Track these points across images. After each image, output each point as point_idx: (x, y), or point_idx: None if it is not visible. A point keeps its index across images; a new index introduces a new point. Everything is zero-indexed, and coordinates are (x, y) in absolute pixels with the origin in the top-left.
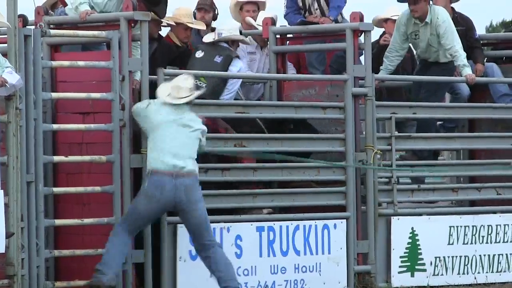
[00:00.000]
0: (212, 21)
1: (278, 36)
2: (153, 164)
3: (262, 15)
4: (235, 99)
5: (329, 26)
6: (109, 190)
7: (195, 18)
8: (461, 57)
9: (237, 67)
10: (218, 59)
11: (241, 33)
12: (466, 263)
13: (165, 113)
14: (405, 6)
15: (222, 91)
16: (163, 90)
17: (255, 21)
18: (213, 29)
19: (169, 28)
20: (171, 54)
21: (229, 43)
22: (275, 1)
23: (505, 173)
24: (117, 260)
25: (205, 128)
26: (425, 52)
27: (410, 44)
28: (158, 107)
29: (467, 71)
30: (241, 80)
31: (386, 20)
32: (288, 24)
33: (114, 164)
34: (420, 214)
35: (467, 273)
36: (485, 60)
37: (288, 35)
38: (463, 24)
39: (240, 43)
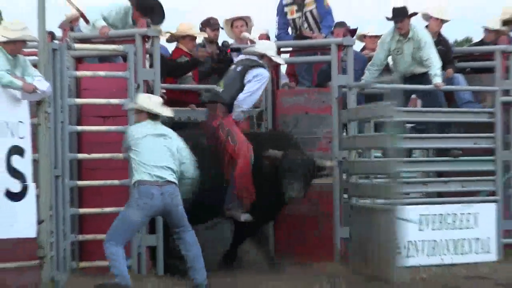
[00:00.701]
0: None
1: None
2: (140, 176)
3: (255, 31)
4: None
5: (316, 41)
6: (126, 183)
7: (209, 35)
8: (435, 68)
9: (252, 74)
10: (239, 68)
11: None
12: (434, 246)
13: (145, 128)
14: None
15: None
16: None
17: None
18: (217, 44)
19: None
20: (163, 66)
21: (259, 57)
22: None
23: (468, 168)
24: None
25: (181, 145)
26: (410, 65)
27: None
28: (137, 128)
29: (437, 80)
30: (262, 84)
31: (364, 36)
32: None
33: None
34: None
35: (435, 255)
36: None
37: (281, 49)
38: (444, 45)
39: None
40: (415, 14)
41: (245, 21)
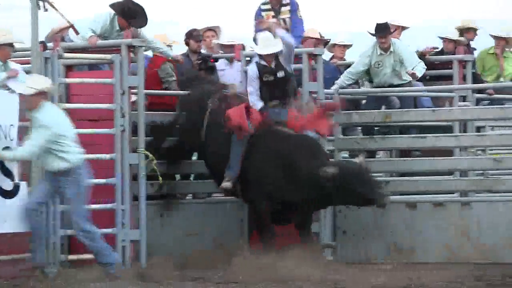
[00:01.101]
0: None
1: (248, 58)
2: (75, 156)
3: (224, 37)
4: None
5: None
6: (112, 182)
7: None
8: (418, 68)
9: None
10: None
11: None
12: None
13: (56, 111)
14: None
15: None
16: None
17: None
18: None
19: None
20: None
21: None
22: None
23: (426, 167)
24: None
25: None
26: (390, 77)
27: None
28: (55, 113)
29: (416, 71)
30: (248, 80)
31: (334, 45)
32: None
33: (116, 161)
34: None
35: None
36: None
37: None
38: None
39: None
40: (395, 30)
41: (215, 31)
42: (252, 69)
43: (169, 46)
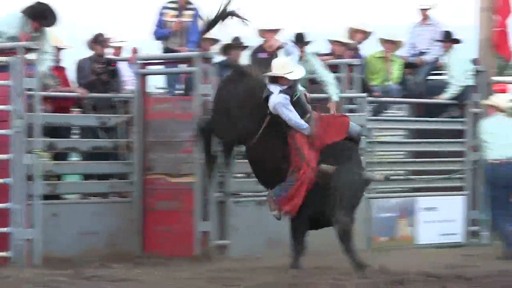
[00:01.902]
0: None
1: (143, 61)
2: None
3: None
4: None
5: (181, 54)
6: (7, 182)
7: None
8: (333, 90)
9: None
10: None
11: None
12: None
13: None
14: None
15: None
16: None
17: None
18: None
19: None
20: None
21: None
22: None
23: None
24: None
25: None
26: None
27: None
28: None
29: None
30: (283, 109)
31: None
32: (155, 37)
33: (11, 161)
34: None
35: None
36: None
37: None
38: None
39: None
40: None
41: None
42: (283, 97)
43: (62, 49)
